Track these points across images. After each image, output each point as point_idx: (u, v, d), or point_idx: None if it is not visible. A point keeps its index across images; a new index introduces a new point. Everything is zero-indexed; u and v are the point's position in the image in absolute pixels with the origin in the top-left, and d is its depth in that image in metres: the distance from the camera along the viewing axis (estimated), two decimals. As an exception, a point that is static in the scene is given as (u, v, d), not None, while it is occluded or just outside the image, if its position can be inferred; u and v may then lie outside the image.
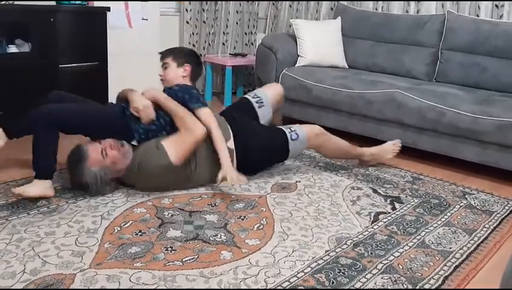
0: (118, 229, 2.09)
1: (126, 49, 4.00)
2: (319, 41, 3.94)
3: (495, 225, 2.39)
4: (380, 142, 3.40)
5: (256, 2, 5.08)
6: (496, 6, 3.70)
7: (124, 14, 3.96)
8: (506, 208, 2.59)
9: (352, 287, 1.78)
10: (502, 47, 3.40)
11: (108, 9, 3.59)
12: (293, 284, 1.78)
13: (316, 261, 1.95)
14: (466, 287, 1.86)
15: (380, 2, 4.24)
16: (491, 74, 3.43)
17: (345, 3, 4.38)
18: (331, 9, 4.51)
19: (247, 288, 1.73)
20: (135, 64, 4.10)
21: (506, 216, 2.49)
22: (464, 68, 3.54)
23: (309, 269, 1.89)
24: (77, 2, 3.47)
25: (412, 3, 4.08)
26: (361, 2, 4.34)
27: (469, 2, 3.81)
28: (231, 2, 4.82)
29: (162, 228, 2.11)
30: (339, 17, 4.14)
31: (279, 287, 1.75)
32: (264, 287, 1.74)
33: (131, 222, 2.15)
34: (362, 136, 3.44)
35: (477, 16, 3.75)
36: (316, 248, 2.05)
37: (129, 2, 3.94)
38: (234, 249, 1.98)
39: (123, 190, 2.50)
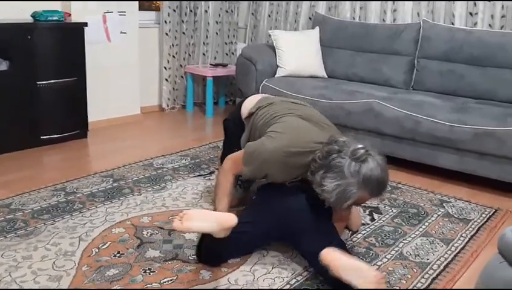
0: (96, 251, 2.07)
1: (106, 63, 3.99)
2: (298, 52, 3.97)
3: (472, 233, 2.43)
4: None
5: (236, 11, 5.09)
6: (470, 14, 3.76)
7: (102, 28, 3.94)
8: (483, 215, 2.63)
9: (330, 304, 1.80)
10: (477, 54, 3.46)
11: (85, 24, 3.57)
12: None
13: (295, 278, 1.96)
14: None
15: (358, 10, 4.28)
16: (467, 82, 3.48)
17: (322, 12, 4.42)
18: (310, 18, 4.54)
19: (255, 288, 1.74)
20: (115, 78, 4.10)
21: (483, 224, 2.53)
22: (440, 76, 3.59)
23: (288, 286, 1.90)
24: (54, 19, 3.45)
25: (388, 11, 4.12)
26: (338, 12, 4.38)
27: (444, 10, 3.86)
28: (210, 12, 4.83)
29: (141, 249, 2.10)
30: (317, 27, 4.17)
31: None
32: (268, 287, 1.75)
33: (109, 242, 2.14)
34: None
35: (452, 24, 3.81)
36: (295, 264, 2.05)
37: (107, 15, 3.93)
38: (213, 268, 1.98)
39: (102, 208, 2.49)
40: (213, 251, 1.97)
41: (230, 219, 1.82)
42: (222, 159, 2.46)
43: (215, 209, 2.17)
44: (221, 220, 1.81)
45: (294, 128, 2.14)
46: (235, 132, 2.51)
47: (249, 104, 2.48)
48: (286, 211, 2.02)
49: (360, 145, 1.88)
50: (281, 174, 2.08)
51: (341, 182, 1.82)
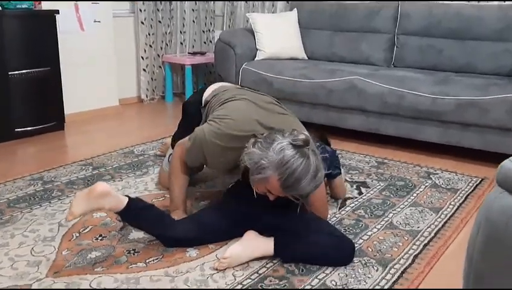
0: (77, 235, 1.99)
1: (80, 53, 3.87)
2: (277, 34, 3.91)
3: (460, 201, 2.41)
4: (344, 130, 3.39)
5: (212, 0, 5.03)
6: (447, -12, 3.75)
7: (75, 17, 3.83)
8: (470, 184, 2.62)
9: (322, 273, 1.75)
10: (455, 28, 3.45)
11: (57, 12, 3.45)
12: (263, 275, 1.73)
13: (285, 251, 1.90)
14: (435, 265, 1.85)
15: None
16: (447, 55, 3.47)
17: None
18: (287, 2, 4.49)
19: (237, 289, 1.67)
20: (91, 69, 3.98)
21: (470, 192, 2.51)
22: (420, 51, 3.57)
23: (278, 258, 1.84)
24: (23, 6, 3.33)
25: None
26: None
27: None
28: (186, 1, 4.74)
29: (124, 231, 2.02)
30: (295, 9, 4.12)
31: (248, 280, 1.70)
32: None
33: (90, 227, 2.05)
34: (327, 126, 3.41)
35: (430, -1, 3.79)
36: (284, 237, 2.00)
37: (79, 2, 3.82)
38: (200, 245, 1.92)
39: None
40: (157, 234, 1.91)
41: (96, 185, 1.74)
42: (174, 138, 2.40)
43: (171, 200, 2.10)
44: (89, 191, 1.74)
45: (236, 111, 2.01)
46: (194, 115, 2.38)
47: (209, 91, 2.37)
48: (253, 206, 1.90)
49: (316, 143, 1.76)
50: (220, 158, 1.97)
51: (263, 153, 1.72)
